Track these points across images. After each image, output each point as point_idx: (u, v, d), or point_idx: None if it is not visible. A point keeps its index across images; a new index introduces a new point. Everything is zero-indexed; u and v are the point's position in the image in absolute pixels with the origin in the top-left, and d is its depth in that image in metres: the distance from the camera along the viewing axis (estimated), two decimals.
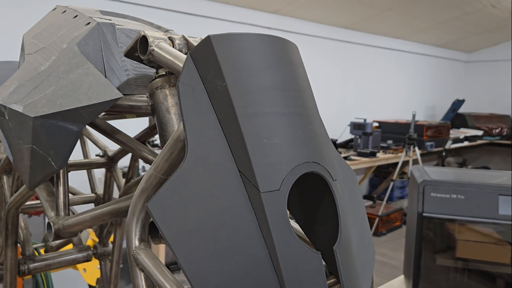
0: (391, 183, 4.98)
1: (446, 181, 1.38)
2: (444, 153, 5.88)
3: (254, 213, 0.45)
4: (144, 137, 0.96)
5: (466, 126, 6.92)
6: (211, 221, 0.43)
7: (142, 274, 0.50)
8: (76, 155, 1.06)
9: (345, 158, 4.64)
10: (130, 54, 0.64)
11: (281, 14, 4.73)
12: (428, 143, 5.50)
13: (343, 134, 5.36)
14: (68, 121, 0.60)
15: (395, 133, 5.63)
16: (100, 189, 1.32)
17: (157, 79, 0.63)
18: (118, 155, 1.12)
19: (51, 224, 0.69)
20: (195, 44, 0.60)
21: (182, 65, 0.50)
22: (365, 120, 5.21)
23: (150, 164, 0.61)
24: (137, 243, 0.51)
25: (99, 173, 2.78)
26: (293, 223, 0.55)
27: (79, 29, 0.71)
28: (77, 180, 1.62)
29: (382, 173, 6.24)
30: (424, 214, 1.36)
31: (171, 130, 0.60)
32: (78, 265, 2.07)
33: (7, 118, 0.63)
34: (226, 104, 0.46)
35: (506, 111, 7.17)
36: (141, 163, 3.30)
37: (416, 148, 4.82)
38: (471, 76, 7.93)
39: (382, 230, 5.19)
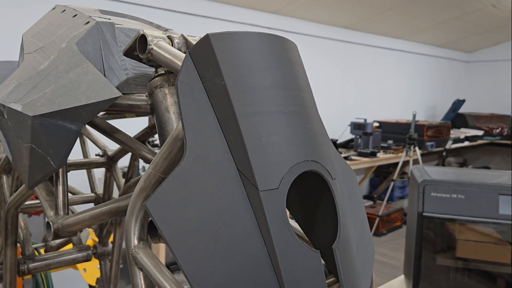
0: (392, 183, 4.98)
1: (446, 180, 1.38)
2: (444, 153, 5.88)
3: (253, 211, 0.44)
4: (143, 137, 0.96)
5: (466, 126, 6.92)
6: (209, 220, 0.43)
7: (141, 273, 0.50)
8: (76, 155, 1.06)
9: (346, 158, 4.64)
10: (129, 53, 0.64)
11: (281, 14, 4.73)
12: (428, 143, 5.50)
13: (343, 134, 5.36)
14: (67, 120, 0.60)
15: (395, 133, 5.62)
16: (100, 189, 1.32)
17: (156, 78, 0.63)
18: (118, 155, 1.12)
19: (50, 223, 0.69)
20: (194, 43, 0.60)
21: (181, 64, 0.49)
22: (365, 120, 5.21)
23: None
24: (136, 242, 0.51)
25: (100, 173, 2.78)
26: (292, 222, 0.54)
27: (78, 28, 0.71)
28: (77, 180, 1.62)
29: (382, 173, 6.23)
30: (424, 214, 1.36)
31: (170, 129, 0.60)
32: (78, 265, 2.07)
33: (6, 117, 0.63)
34: (225, 102, 0.46)
35: (507, 111, 7.16)
36: (141, 162, 3.31)
37: (417, 148, 4.82)
38: (471, 76, 7.92)
39: (383, 230, 5.19)
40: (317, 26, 5.18)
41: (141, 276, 0.50)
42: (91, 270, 2.10)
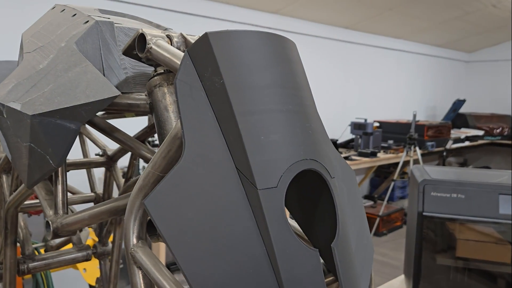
0: (392, 183, 4.97)
1: (446, 180, 1.37)
2: (445, 153, 5.87)
3: (252, 210, 0.44)
4: (143, 136, 0.96)
5: (467, 126, 6.92)
6: (208, 219, 0.43)
7: (140, 272, 0.50)
8: (76, 154, 1.06)
9: (346, 158, 4.63)
10: (128, 52, 0.64)
11: (281, 14, 4.73)
12: (429, 143, 5.50)
13: (343, 134, 5.36)
14: (66, 119, 0.60)
15: (396, 133, 5.62)
16: (100, 189, 1.32)
17: (155, 77, 0.63)
18: (118, 154, 1.12)
19: (50, 222, 0.69)
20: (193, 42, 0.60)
21: (179, 63, 0.49)
22: (365, 120, 5.21)
23: None
24: (134, 241, 0.51)
25: (100, 174, 2.78)
26: (291, 221, 0.54)
27: (77, 28, 0.71)
28: (77, 179, 1.62)
29: (383, 173, 6.23)
30: (424, 214, 1.36)
31: (169, 128, 0.60)
32: (79, 265, 2.07)
33: (5, 116, 0.63)
34: (224, 101, 0.46)
35: (507, 111, 7.16)
36: (141, 162, 3.30)
37: (417, 148, 4.82)
38: (471, 76, 7.92)
39: (383, 230, 5.19)
40: (317, 26, 5.18)
41: (140, 275, 0.50)
42: (91, 270, 2.10)
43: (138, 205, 0.51)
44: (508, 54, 7.08)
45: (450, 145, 5.86)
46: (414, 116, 4.82)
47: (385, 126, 5.81)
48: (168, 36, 0.61)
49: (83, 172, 1.28)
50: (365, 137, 5.04)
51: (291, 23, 4.84)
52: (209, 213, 0.43)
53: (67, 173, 0.77)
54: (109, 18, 0.74)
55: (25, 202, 1.04)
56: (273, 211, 0.44)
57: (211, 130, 0.46)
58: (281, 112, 0.48)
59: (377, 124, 5.81)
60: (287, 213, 0.50)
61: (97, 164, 1.14)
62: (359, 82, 5.97)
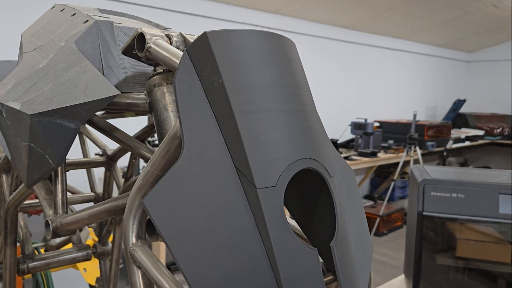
0: (392, 183, 4.97)
1: (446, 180, 1.37)
2: (445, 153, 5.87)
3: (251, 209, 0.44)
4: (143, 136, 0.96)
5: (467, 126, 6.92)
6: (207, 218, 0.43)
7: (139, 271, 0.50)
8: (76, 154, 1.06)
9: (346, 158, 4.63)
10: (128, 51, 0.64)
11: (281, 14, 4.73)
12: (429, 143, 5.50)
13: (344, 134, 5.36)
14: (66, 119, 0.60)
15: (396, 133, 5.62)
16: (100, 189, 1.32)
17: (154, 77, 0.63)
18: (118, 154, 1.12)
19: (49, 222, 0.69)
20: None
21: (178, 62, 0.49)
22: (366, 120, 5.21)
23: None
24: (134, 240, 0.51)
25: (100, 173, 2.78)
26: (290, 220, 0.54)
27: (77, 27, 0.71)
28: (77, 179, 1.62)
29: (383, 173, 6.23)
30: (424, 213, 1.36)
31: (168, 127, 0.60)
32: (79, 265, 2.07)
33: (4, 115, 0.63)
34: (223, 100, 0.46)
35: (507, 111, 7.16)
36: (140, 162, 3.30)
37: (417, 148, 4.81)
38: (472, 76, 7.92)
39: (383, 230, 5.19)
40: (318, 26, 5.18)
41: (139, 274, 0.50)
42: (91, 269, 2.10)
43: (137, 204, 0.51)
44: (509, 54, 7.08)
45: (450, 145, 5.86)
46: (414, 116, 4.82)
47: (385, 126, 5.81)
48: (168, 36, 0.61)
49: (83, 172, 1.28)
50: (365, 137, 5.04)
51: (291, 23, 4.84)
52: (208, 212, 0.43)
53: (67, 172, 0.77)
54: (108, 18, 0.74)
55: (25, 202, 1.04)
56: (272, 210, 0.44)
57: (210, 129, 0.46)
58: (280, 111, 0.48)
59: (377, 124, 5.81)
60: (286, 212, 0.50)
61: (97, 164, 1.14)
62: (359, 82, 5.97)
